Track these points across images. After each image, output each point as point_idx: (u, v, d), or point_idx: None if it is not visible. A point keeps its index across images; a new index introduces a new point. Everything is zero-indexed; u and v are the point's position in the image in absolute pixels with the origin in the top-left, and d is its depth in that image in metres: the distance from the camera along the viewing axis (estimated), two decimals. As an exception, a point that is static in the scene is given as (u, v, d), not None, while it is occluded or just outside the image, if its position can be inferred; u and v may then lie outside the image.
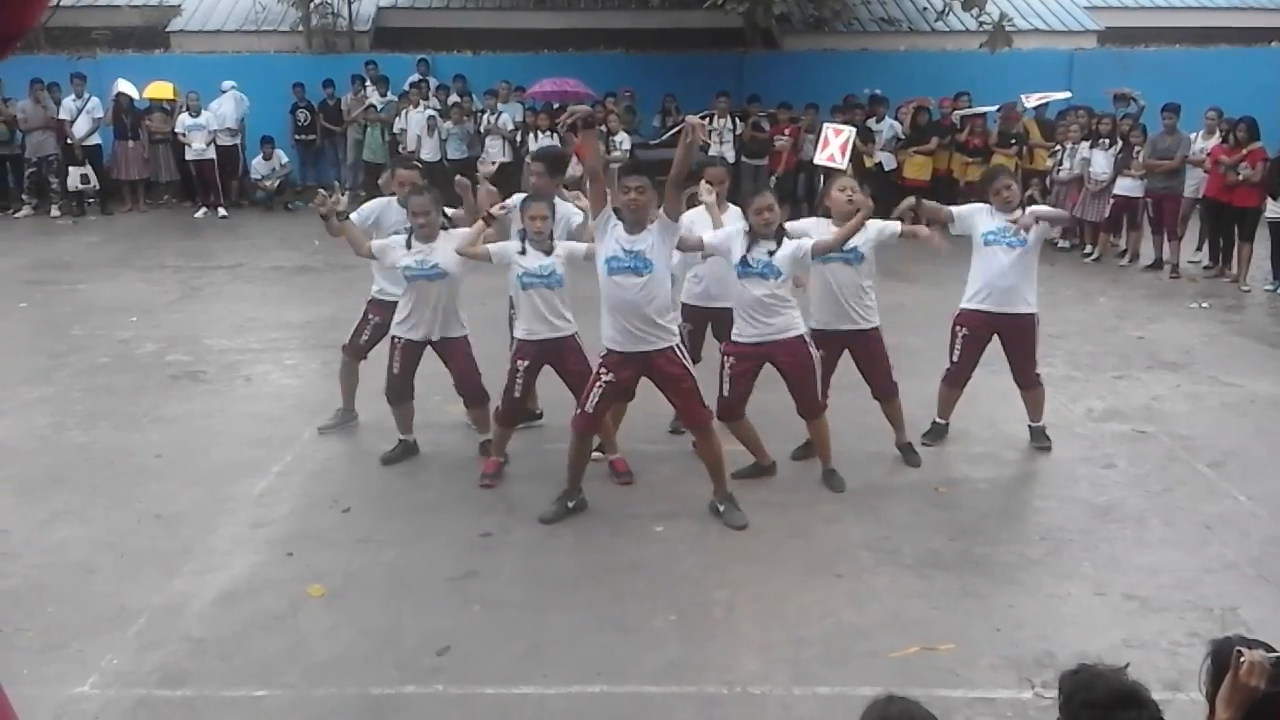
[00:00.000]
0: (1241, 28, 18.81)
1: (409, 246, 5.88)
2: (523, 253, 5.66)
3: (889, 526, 5.40)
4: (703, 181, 6.14)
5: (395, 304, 6.18)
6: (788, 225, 5.80)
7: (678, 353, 5.35)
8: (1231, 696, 2.29)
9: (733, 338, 5.79)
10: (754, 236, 5.59)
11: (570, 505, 5.49)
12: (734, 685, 4.07)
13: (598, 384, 5.34)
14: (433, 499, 5.74)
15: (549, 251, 5.66)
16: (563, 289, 5.69)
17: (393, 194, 6.51)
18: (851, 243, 5.79)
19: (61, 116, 14.62)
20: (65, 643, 4.32)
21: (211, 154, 14.87)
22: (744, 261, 5.56)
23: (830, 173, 7.01)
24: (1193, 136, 11.58)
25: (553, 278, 5.63)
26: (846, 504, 5.69)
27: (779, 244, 5.57)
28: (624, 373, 5.33)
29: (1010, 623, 4.51)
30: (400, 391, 6.16)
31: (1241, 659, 2.27)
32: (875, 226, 5.89)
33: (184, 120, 14.86)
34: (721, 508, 5.46)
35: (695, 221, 6.20)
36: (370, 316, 6.54)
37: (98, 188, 14.85)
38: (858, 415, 6.30)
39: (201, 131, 14.80)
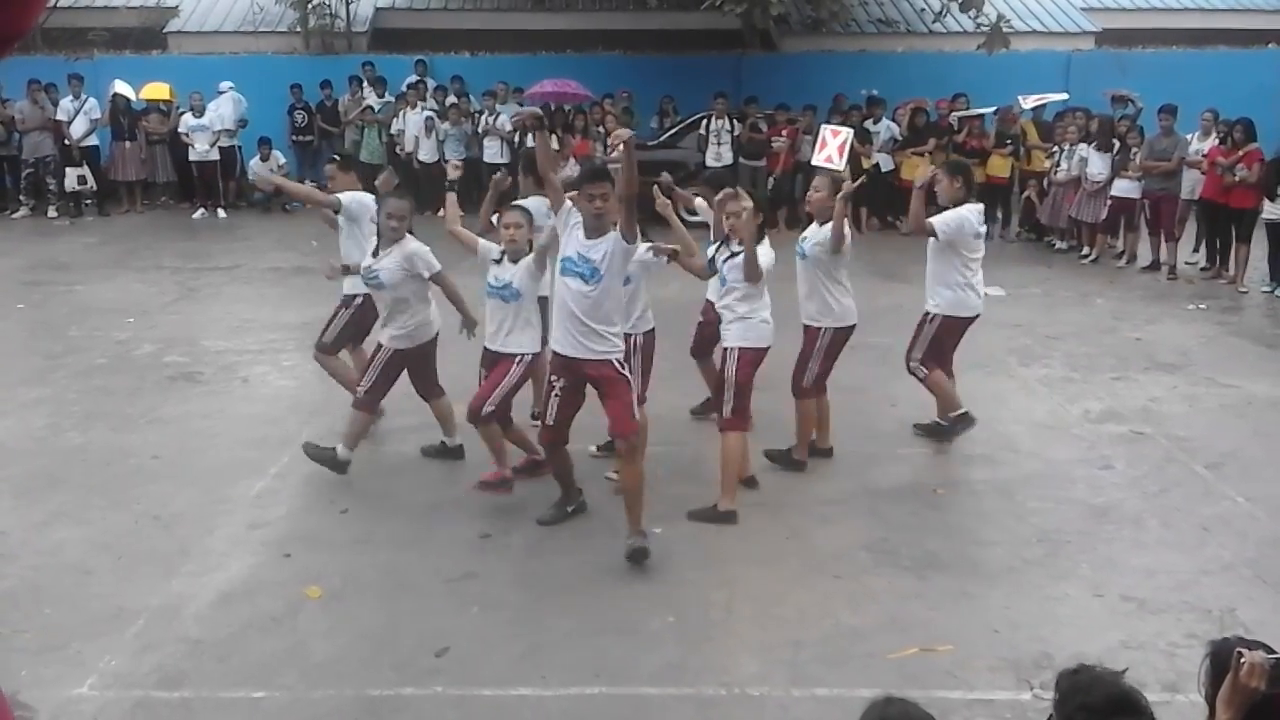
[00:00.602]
0: (1239, 29, 18.86)
1: (375, 254, 5.84)
2: (498, 260, 5.56)
3: (887, 528, 5.40)
4: (659, 187, 6.13)
5: (348, 296, 6.48)
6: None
7: (617, 365, 5.05)
8: (1231, 697, 2.29)
9: None
10: (725, 239, 5.57)
11: (570, 509, 5.47)
12: (732, 687, 4.07)
13: (552, 394, 5.17)
14: (431, 500, 5.73)
15: (517, 261, 5.50)
16: (519, 303, 5.50)
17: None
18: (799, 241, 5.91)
19: (59, 117, 14.61)
20: (63, 644, 4.31)
21: (215, 155, 14.86)
22: (711, 262, 5.60)
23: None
24: (1189, 138, 11.60)
25: (508, 290, 5.49)
26: (844, 505, 5.70)
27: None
28: (569, 376, 5.11)
29: (1008, 624, 4.51)
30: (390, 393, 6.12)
31: (1242, 660, 2.27)
32: (822, 229, 5.86)
33: (187, 120, 14.84)
34: (630, 541, 5.01)
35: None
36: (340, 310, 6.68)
37: (95, 188, 14.82)
38: (855, 417, 6.31)
39: (205, 132, 14.78)
